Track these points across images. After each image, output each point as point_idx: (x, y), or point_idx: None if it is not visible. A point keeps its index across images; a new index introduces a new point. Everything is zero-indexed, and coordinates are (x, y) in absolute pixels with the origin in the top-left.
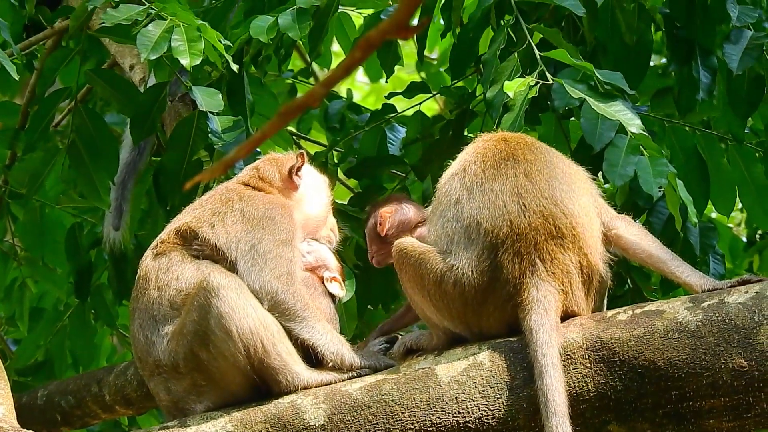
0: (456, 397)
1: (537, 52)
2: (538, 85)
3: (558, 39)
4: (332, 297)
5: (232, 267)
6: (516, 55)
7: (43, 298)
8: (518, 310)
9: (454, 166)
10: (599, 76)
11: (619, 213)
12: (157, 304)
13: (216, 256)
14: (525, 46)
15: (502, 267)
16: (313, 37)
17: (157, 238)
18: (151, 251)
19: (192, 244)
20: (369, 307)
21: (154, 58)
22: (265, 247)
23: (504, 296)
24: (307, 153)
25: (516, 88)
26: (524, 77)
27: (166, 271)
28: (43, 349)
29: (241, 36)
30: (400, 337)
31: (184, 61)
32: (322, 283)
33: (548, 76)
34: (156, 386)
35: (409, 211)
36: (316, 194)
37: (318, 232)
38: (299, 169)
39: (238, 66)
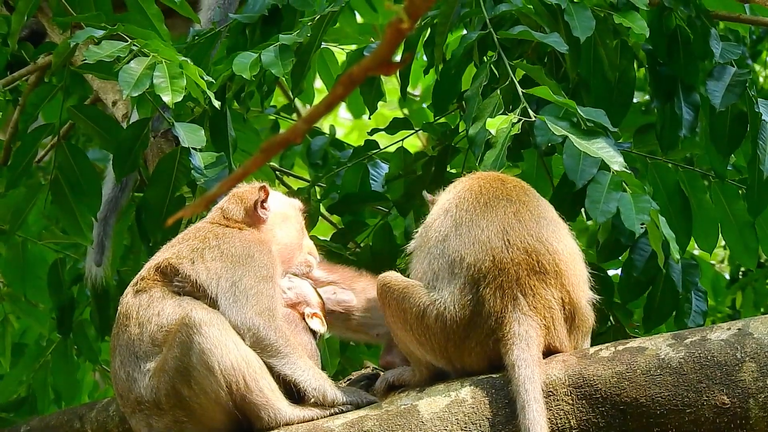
0: None
1: (519, 89)
2: (521, 122)
3: (540, 76)
4: (313, 333)
5: (213, 303)
6: (498, 91)
7: (26, 334)
8: (500, 344)
9: (447, 201)
10: (582, 113)
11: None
12: (138, 341)
13: (197, 292)
14: (507, 82)
15: (484, 301)
16: (296, 74)
17: (138, 275)
18: (132, 288)
19: (173, 280)
20: (351, 342)
21: (136, 94)
22: (246, 284)
23: (486, 331)
24: (288, 187)
25: (498, 125)
26: (507, 114)
27: (147, 307)
28: (25, 385)
29: (223, 72)
30: (382, 373)
31: (166, 98)
32: (303, 319)
33: (530, 113)
34: (138, 423)
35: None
36: (286, 222)
37: (295, 258)
38: (264, 202)
39: (220, 102)
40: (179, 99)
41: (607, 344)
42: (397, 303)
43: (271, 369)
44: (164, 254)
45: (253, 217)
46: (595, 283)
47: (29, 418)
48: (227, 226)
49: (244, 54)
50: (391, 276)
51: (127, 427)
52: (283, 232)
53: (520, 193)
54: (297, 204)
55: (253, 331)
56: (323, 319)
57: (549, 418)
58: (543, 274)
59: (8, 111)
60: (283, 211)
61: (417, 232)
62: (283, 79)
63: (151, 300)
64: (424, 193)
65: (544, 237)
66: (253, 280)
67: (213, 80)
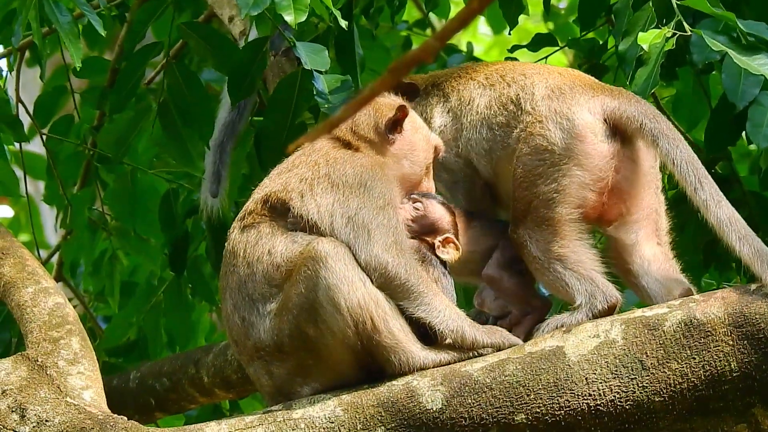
0: (586, 378)
1: (674, 1)
2: (675, 36)
3: None
4: (444, 264)
5: None
6: (651, 3)
7: (136, 272)
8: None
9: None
10: (742, 27)
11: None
12: (252, 282)
13: (310, 229)
14: None
15: None
16: None
17: (244, 207)
18: (239, 223)
19: (282, 215)
20: None
21: (255, 14)
22: (365, 217)
23: None
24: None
25: (651, 40)
26: (660, 28)
27: (255, 244)
28: (135, 328)
29: None
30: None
31: (289, 18)
32: (433, 250)
33: (686, 26)
34: (257, 371)
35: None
36: (414, 153)
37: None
38: (399, 122)
39: (347, 22)
40: (302, 18)
41: None
42: None
43: (402, 311)
44: (273, 184)
45: (381, 136)
46: (758, 213)
47: (140, 364)
48: (344, 147)
49: None
50: None
51: (246, 373)
52: (407, 164)
53: None
54: (436, 142)
55: (380, 271)
56: (457, 242)
57: (707, 361)
58: None
59: (114, 28)
60: (416, 141)
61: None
62: None
63: (260, 236)
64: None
65: None
66: (371, 211)
67: None
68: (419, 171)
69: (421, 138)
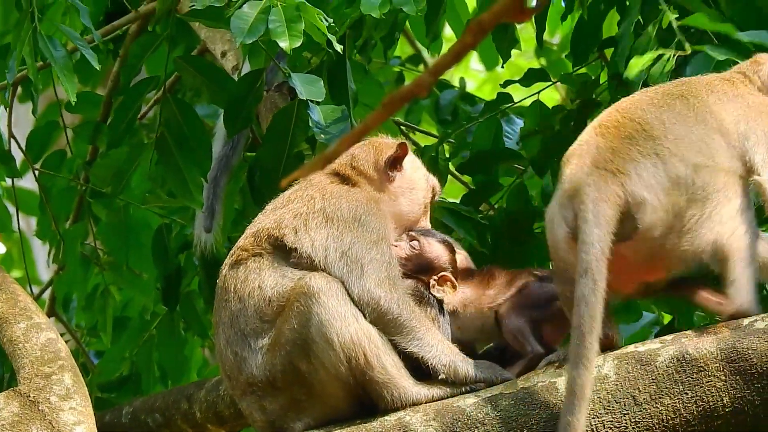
0: None
1: (674, 22)
2: (675, 55)
3: (696, 5)
4: (440, 303)
5: None
6: (652, 26)
7: (128, 307)
8: None
9: None
10: (744, 37)
11: None
12: (243, 317)
13: (304, 264)
14: (661, 18)
15: None
16: (430, 15)
17: (237, 243)
18: (230, 258)
19: (274, 250)
20: None
21: (250, 42)
22: (358, 252)
23: None
24: (415, 144)
25: (642, 64)
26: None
27: (246, 279)
28: (128, 363)
29: (351, 14)
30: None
31: (284, 44)
32: (428, 288)
33: (686, 45)
34: (249, 406)
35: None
36: (412, 192)
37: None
38: (399, 160)
39: (341, 47)
40: (297, 44)
41: (763, 314)
42: None
43: (395, 345)
44: (266, 219)
45: (381, 174)
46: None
47: (132, 399)
48: (344, 178)
49: None
50: None
51: (239, 408)
52: (407, 201)
53: None
54: (433, 182)
55: (373, 306)
56: (453, 280)
57: (700, 396)
58: None
59: (108, 63)
60: (415, 179)
61: None
62: (409, 25)
63: (250, 271)
64: None
65: None
66: (364, 246)
67: (332, 23)
68: (417, 210)
69: (421, 177)
